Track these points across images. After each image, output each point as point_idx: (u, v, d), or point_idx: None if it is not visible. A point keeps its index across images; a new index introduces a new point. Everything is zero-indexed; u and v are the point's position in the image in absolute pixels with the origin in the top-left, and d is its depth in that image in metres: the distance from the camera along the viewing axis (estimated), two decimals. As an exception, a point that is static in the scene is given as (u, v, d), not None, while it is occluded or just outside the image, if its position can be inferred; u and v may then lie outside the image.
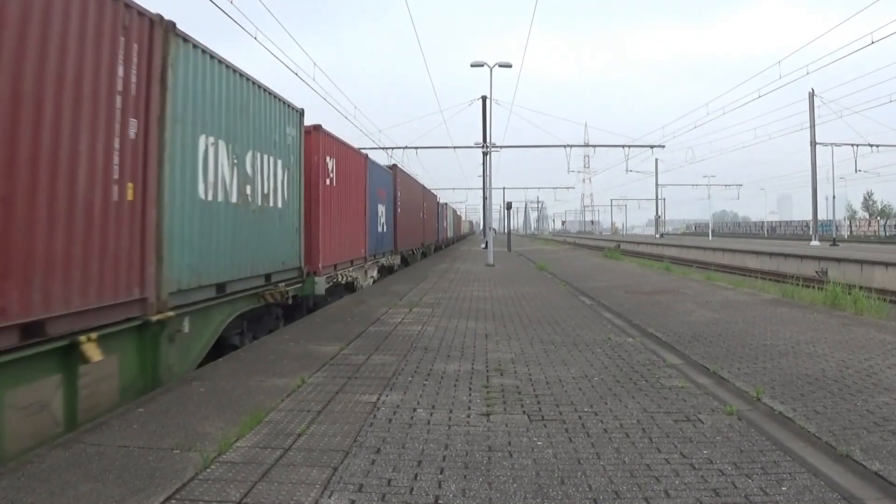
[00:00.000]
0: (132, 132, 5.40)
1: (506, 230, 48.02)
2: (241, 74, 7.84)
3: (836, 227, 58.23)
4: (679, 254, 40.28)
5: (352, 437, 4.20)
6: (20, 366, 4.16)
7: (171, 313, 5.90)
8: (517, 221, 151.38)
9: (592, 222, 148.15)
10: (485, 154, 27.34)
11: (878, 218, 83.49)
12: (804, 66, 25.16)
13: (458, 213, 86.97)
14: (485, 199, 32.18)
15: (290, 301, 9.74)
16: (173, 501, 3.19)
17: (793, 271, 21.98)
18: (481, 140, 28.16)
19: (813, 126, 36.86)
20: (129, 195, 5.35)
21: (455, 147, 35.66)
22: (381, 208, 18.18)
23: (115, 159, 5.16)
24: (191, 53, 6.52)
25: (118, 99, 5.20)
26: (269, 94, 8.86)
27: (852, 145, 39.91)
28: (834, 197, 54.28)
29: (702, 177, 77.93)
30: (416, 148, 31.21)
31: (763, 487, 3.37)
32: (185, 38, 6.35)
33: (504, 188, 67.91)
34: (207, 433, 4.22)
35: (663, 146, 34.65)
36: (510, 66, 25.26)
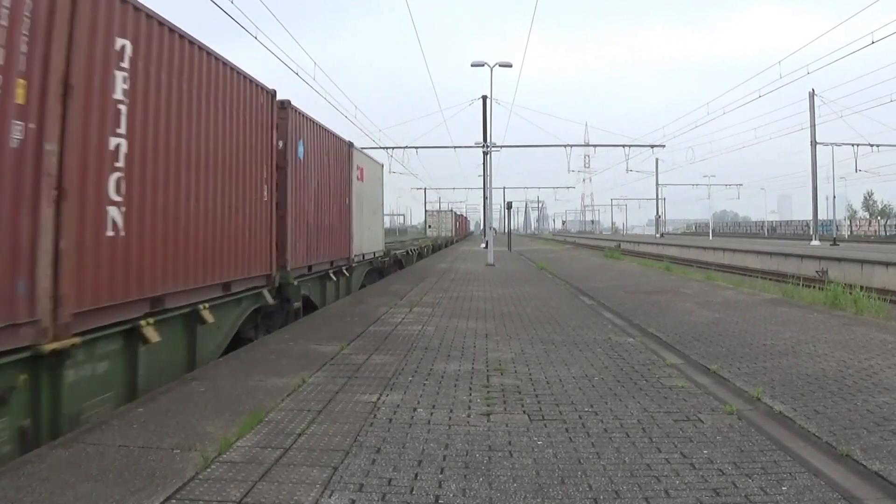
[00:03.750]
0: None
1: (506, 230, 47.98)
2: None
3: (837, 226, 58.15)
4: (679, 253, 40.30)
5: (352, 436, 4.20)
6: None
7: None
8: (517, 221, 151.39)
9: (593, 222, 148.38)
10: (485, 153, 27.37)
11: (879, 218, 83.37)
12: (804, 66, 25.21)
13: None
14: (485, 198, 32.19)
15: None
16: (174, 501, 3.19)
17: (793, 271, 21.97)
18: (482, 139, 28.18)
19: (813, 126, 36.87)
20: None
21: (455, 147, 35.78)
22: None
23: None
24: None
25: None
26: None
27: (852, 145, 39.91)
28: (834, 197, 54.27)
29: (702, 176, 77.97)
30: (417, 147, 31.27)
31: (763, 487, 3.37)
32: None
33: (504, 188, 67.74)
34: (208, 433, 4.22)
35: (663, 146, 34.77)
36: (510, 66, 25.25)
